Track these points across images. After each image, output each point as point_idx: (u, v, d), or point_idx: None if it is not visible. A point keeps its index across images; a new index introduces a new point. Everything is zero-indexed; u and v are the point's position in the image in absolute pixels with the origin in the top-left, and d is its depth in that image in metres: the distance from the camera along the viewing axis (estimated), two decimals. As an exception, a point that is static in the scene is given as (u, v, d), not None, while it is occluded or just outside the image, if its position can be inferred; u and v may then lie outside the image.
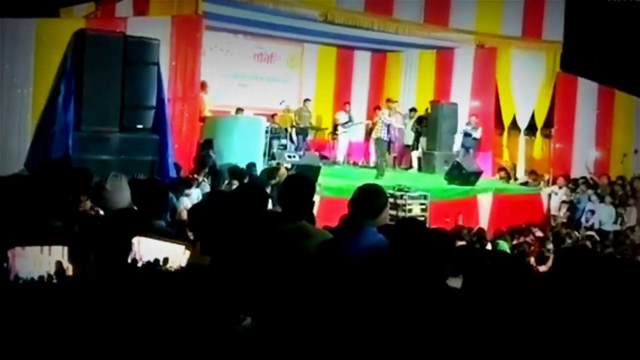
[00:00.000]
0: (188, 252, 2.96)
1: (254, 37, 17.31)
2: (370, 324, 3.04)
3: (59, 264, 2.53)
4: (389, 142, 15.29)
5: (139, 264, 2.97)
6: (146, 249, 2.99)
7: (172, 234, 4.53)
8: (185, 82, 11.75)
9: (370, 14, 14.55)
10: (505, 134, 17.65)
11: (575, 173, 16.75)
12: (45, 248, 2.51)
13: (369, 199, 4.14)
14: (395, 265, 3.64)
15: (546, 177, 16.39)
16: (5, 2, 11.68)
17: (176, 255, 2.92)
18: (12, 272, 2.45)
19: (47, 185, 3.83)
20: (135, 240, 3.01)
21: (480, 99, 17.22)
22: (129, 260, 2.98)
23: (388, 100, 16.62)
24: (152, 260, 2.95)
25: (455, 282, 5.28)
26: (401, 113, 15.99)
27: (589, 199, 15.08)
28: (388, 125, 15.06)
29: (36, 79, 9.81)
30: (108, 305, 2.20)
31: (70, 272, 2.53)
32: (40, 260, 2.48)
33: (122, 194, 5.01)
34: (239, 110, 15.09)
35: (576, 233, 13.38)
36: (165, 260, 2.94)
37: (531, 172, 16.83)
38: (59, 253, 2.51)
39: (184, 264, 2.84)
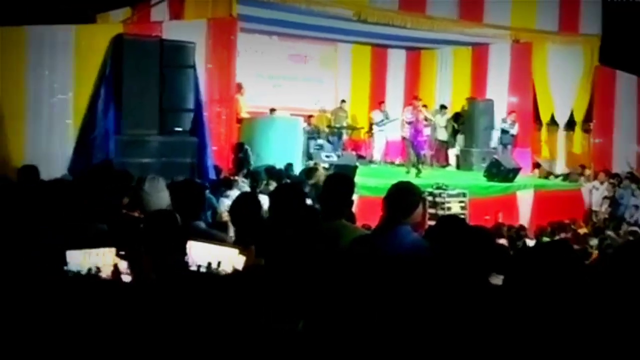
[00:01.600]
0: (242, 256, 2.97)
1: (287, 38, 17.36)
2: (407, 322, 3.03)
3: (115, 266, 2.58)
4: (415, 141, 15.12)
5: (192, 267, 3.00)
6: (197, 252, 3.02)
7: (213, 234, 4.57)
8: (222, 85, 11.83)
9: (404, 12, 14.48)
10: (544, 129, 17.46)
11: (616, 168, 16.50)
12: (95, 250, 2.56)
13: (400, 197, 4.12)
14: (437, 263, 3.63)
15: (587, 172, 16.17)
16: (44, 9, 11.90)
17: (229, 258, 2.94)
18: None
19: (90, 189, 3.89)
20: (188, 244, 3.04)
21: (517, 95, 17.06)
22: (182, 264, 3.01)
23: (414, 99, 16.43)
24: (205, 263, 2.98)
25: (497, 280, 5.26)
26: (422, 110, 15.66)
27: (633, 194, 14.85)
28: (410, 123, 14.96)
29: (76, 84, 9.95)
30: (166, 307, 2.23)
31: (125, 273, 2.57)
32: (89, 256, 2.53)
33: (160, 196, 5.06)
34: (272, 110, 15.15)
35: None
36: (219, 263, 2.96)
37: (576, 167, 16.61)
38: (110, 255, 2.55)
39: (239, 267, 2.85)
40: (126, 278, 2.55)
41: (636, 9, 16.78)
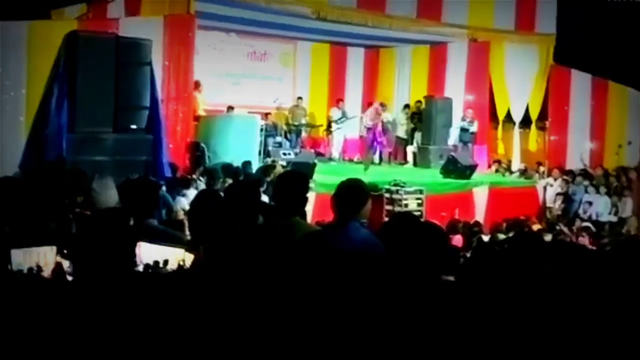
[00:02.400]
0: (189, 255, 2.96)
1: (246, 36, 17.29)
2: (360, 318, 3.04)
3: (58, 264, 2.54)
4: (373, 144, 15.27)
5: (140, 267, 2.99)
6: (145, 252, 3.00)
7: (167, 232, 4.53)
8: (179, 82, 11.74)
9: (363, 10, 14.53)
10: (500, 127, 17.66)
11: (570, 165, 16.78)
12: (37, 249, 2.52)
13: (349, 194, 4.15)
14: (388, 259, 3.65)
15: (541, 169, 16.41)
16: (-3, 5, 11.67)
17: (176, 257, 2.93)
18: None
19: (41, 187, 3.83)
20: (137, 244, 3.02)
21: (474, 93, 17.23)
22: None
23: (380, 105, 16.49)
24: (151, 262, 2.96)
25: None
26: (379, 110, 15.75)
27: (586, 191, 15.12)
28: (369, 129, 15.13)
29: (29, 81, 9.80)
30: (110, 306, 2.20)
31: (68, 273, 2.54)
32: (30, 255, 2.49)
33: (108, 194, 5.02)
34: (230, 108, 15.09)
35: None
36: (166, 262, 2.95)
37: (526, 166, 16.88)
38: (51, 253, 2.51)
39: (187, 265, 2.84)
40: (69, 277, 2.52)
41: (590, 8, 17.08)
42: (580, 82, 17.27)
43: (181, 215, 8.92)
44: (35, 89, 9.79)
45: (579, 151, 17.12)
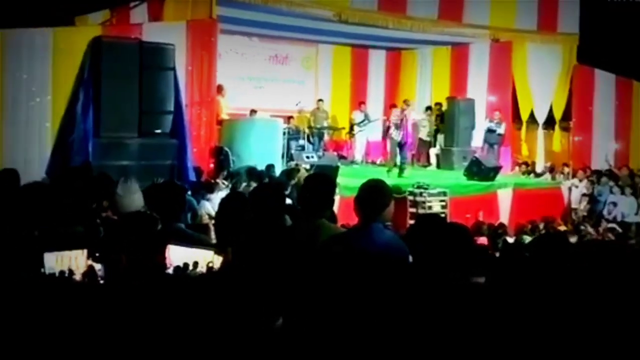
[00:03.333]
0: (217, 257, 2.98)
1: (268, 40, 17.35)
2: (382, 319, 3.04)
3: (90, 267, 2.57)
4: (401, 141, 15.09)
5: (170, 269, 3.01)
6: (175, 255, 3.02)
7: (193, 236, 4.56)
8: (202, 86, 11.81)
9: (384, 13, 14.54)
10: (524, 128, 17.55)
11: (595, 165, 16.64)
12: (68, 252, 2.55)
13: (370, 196, 4.14)
14: (415, 261, 3.64)
15: (566, 170, 16.29)
16: (22, 12, 11.81)
17: (205, 259, 2.95)
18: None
19: (68, 192, 3.87)
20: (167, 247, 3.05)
21: (497, 94, 17.15)
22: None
23: (403, 102, 16.41)
24: (181, 265, 2.98)
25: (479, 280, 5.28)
26: (411, 113, 15.65)
27: (611, 191, 14.99)
28: (396, 126, 14.98)
29: (54, 87, 9.90)
30: (140, 309, 2.22)
31: (100, 276, 2.56)
32: (62, 259, 2.52)
33: (133, 198, 5.05)
34: (253, 111, 15.13)
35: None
36: (195, 264, 2.97)
37: (551, 166, 16.76)
38: (82, 257, 2.54)
39: (216, 267, 2.86)
40: (101, 280, 2.54)
41: (613, 8, 16.93)
42: (604, 82, 17.15)
43: (206, 220, 8.96)
44: (60, 95, 9.89)
45: (603, 152, 16.98)
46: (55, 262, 2.55)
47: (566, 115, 17.13)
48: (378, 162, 17.61)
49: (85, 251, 2.61)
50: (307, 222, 4.37)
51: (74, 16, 13.31)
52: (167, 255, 3.04)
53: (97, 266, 2.59)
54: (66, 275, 2.50)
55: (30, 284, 2.61)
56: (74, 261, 2.58)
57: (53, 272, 2.54)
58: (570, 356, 2.72)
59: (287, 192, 9.61)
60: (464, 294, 3.57)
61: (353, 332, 3.29)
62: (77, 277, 2.55)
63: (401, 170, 14.63)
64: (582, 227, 12.90)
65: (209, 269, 2.83)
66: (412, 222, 10.61)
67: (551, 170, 16.62)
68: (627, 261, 3.26)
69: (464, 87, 17.59)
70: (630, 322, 2.74)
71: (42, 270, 2.55)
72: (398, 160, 14.95)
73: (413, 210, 12.22)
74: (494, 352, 2.81)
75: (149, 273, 2.97)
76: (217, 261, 2.95)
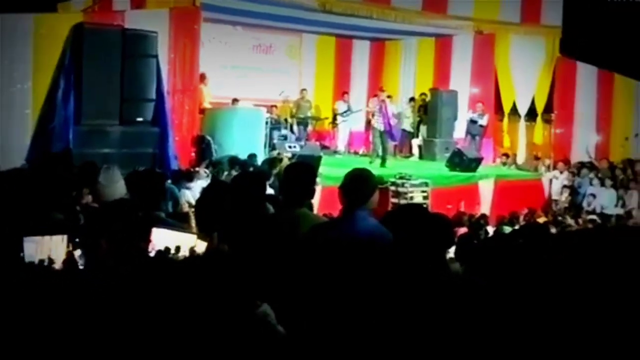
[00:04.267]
0: (200, 242, 2.98)
1: (252, 28, 17.27)
2: (369, 307, 3.05)
3: (69, 253, 2.56)
4: (384, 131, 15.05)
5: (151, 253, 3.01)
6: (158, 239, 3.02)
7: (173, 224, 4.55)
8: (184, 74, 11.76)
9: (369, 3, 14.54)
10: (506, 120, 17.63)
11: (575, 157, 16.75)
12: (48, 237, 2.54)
13: (356, 184, 4.15)
14: (396, 250, 3.66)
15: (547, 162, 16.39)
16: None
17: (188, 244, 2.95)
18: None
19: (47, 179, 3.84)
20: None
21: (479, 85, 17.20)
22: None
23: (379, 90, 16.35)
24: (163, 248, 2.98)
25: (455, 266, 5.31)
26: (386, 101, 15.53)
27: (590, 183, 15.11)
28: (373, 115, 14.96)
29: (35, 74, 9.82)
30: (121, 292, 2.21)
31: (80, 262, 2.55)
32: (42, 247, 2.50)
33: (115, 186, 5.04)
34: (235, 100, 15.07)
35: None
36: (177, 248, 2.97)
37: (535, 156, 16.85)
38: (62, 243, 2.52)
39: (199, 251, 2.86)
40: (81, 266, 2.53)
41: (596, 1, 17.01)
42: (586, 75, 17.23)
43: (186, 208, 8.94)
44: (41, 82, 9.81)
45: (584, 144, 17.08)
46: (35, 249, 2.53)
47: (548, 108, 17.21)
48: (361, 152, 17.63)
49: (65, 237, 2.59)
50: (288, 211, 4.38)
51: (57, 2, 13.20)
52: (150, 239, 3.04)
53: (77, 252, 2.57)
54: (46, 264, 2.49)
55: (9, 273, 2.60)
56: (54, 249, 2.56)
57: (33, 261, 2.52)
58: (551, 346, 2.74)
59: (269, 182, 9.61)
60: (445, 282, 3.60)
61: (337, 319, 3.31)
62: (58, 265, 2.53)
63: (383, 160, 14.66)
64: (562, 219, 13.00)
65: (192, 252, 2.83)
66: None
67: (535, 159, 16.69)
68: (608, 248, 3.29)
69: (447, 79, 17.61)
70: (613, 310, 2.76)
71: (22, 255, 2.53)
72: (380, 150, 14.96)
73: (395, 200, 12.26)
74: (474, 339, 2.83)
75: (130, 258, 2.98)
76: (200, 246, 2.95)
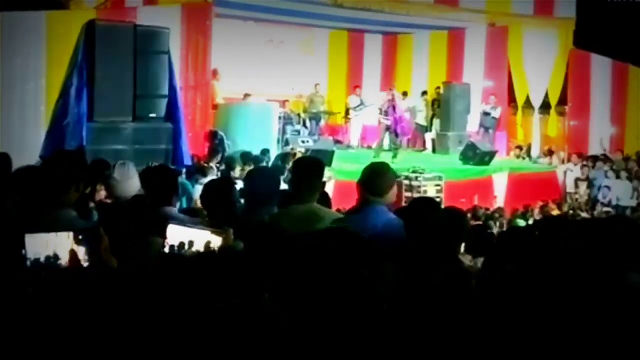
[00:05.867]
0: (217, 237, 2.97)
1: (264, 24, 17.28)
2: (381, 303, 3.04)
3: (72, 251, 2.54)
4: (396, 128, 15.04)
5: (165, 248, 3.00)
6: (171, 235, 3.01)
7: (184, 220, 4.55)
8: (197, 70, 11.79)
9: (380, -4, 14.51)
10: (519, 112, 17.55)
11: (590, 150, 16.67)
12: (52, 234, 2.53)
13: (375, 177, 4.15)
14: (410, 243, 3.64)
15: (561, 154, 16.31)
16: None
17: (202, 240, 2.93)
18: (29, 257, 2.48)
19: (59, 174, 3.84)
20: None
21: (493, 78, 17.15)
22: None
23: (389, 88, 16.34)
24: (176, 244, 2.97)
25: (465, 259, 5.28)
26: (396, 99, 15.52)
27: (605, 175, 15.02)
28: (385, 112, 14.95)
29: (49, 71, 9.88)
30: (129, 292, 2.20)
31: (83, 260, 2.55)
32: (46, 243, 2.49)
33: (130, 182, 5.02)
34: (247, 95, 15.07)
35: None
36: (191, 243, 2.96)
37: (549, 150, 16.78)
38: (67, 239, 2.51)
39: (214, 247, 2.85)
40: (85, 263, 2.53)
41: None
42: (600, 67, 17.14)
43: (199, 204, 8.96)
44: (54, 79, 9.85)
45: (599, 136, 17.00)
46: (40, 245, 2.52)
47: (562, 100, 17.12)
48: (373, 146, 17.58)
49: (72, 234, 2.57)
50: (299, 205, 4.37)
51: (69, -1, 13.23)
52: (166, 235, 3.03)
53: (80, 250, 2.56)
54: (51, 260, 2.48)
55: (9, 270, 2.60)
56: (58, 244, 2.54)
57: (37, 258, 2.51)
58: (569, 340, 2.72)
59: (283, 177, 9.61)
60: (461, 274, 3.58)
61: (352, 312, 3.29)
62: (63, 261, 2.53)
63: (394, 155, 14.63)
64: (577, 211, 12.93)
65: (207, 248, 2.82)
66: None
67: (548, 154, 16.62)
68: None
69: (460, 72, 17.56)
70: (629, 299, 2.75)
71: (24, 252, 2.52)
72: (386, 144, 14.94)
73: (408, 194, 12.23)
74: (492, 333, 2.80)
75: (141, 254, 2.98)
76: (215, 241, 2.94)
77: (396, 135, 15.03)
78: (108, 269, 2.64)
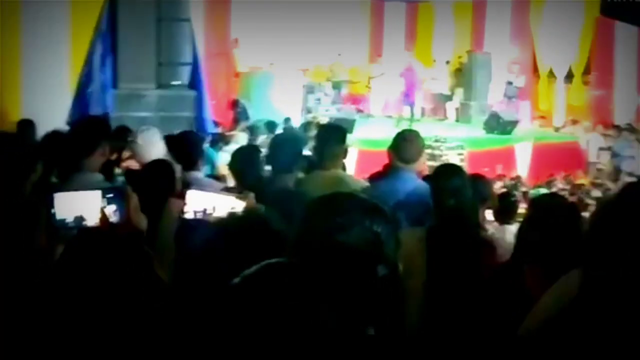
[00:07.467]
0: (240, 201, 2.99)
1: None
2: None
3: (102, 211, 2.58)
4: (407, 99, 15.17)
5: (189, 214, 3.03)
6: (194, 200, 3.04)
7: (212, 184, 4.60)
8: (218, 38, 11.78)
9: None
10: (543, 82, 17.38)
11: (614, 120, 16.49)
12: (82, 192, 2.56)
13: (405, 144, 4.16)
14: (436, 207, 3.65)
15: (585, 124, 16.16)
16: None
17: (226, 205, 2.96)
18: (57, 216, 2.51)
19: (85, 138, 3.87)
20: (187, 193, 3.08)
21: (516, 47, 16.96)
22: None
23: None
24: (200, 209, 3.00)
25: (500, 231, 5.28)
26: (412, 67, 15.64)
27: (630, 146, 14.87)
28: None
29: (73, 38, 9.90)
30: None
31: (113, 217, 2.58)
32: (76, 202, 2.52)
33: (154, 147, 5.05)
34: (270, 64, 15.05)
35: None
36: (214, 208, 2.99)
37: (572, 120, 16.63)
38: (97, 198, 2.54)
39: (238, 211, 2.88)
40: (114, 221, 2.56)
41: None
42: (625, 36, 16.87)
43: (224, 170, 9.01)
44: (79, 47, 9.89)
45: (624, 106, 16.80)
46: (69, 204, 2.55)
47: (587, 69, 16.92)
48: (396, 115, 17.53)
49: (100, 192, 2.60)
50: (323, 172, 4.41)
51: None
52: (186, 200, 3.06)
53: (110, 208, 2.58)
54: (80, 220, 2.51)
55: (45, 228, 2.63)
56: (89, 203, 2.57)
57: (65, 219, 2.54)
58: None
59: (306, 145, 9.63)
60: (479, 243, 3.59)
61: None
62: (91, 222, 2.55)
63: (411, 123, 14.64)
64: (602, 181, 12.85)
65: (231, 213, 2.84)
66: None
67: (572, 123, 16.48)
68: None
69: (484, 41, 17.40)
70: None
71: (52, 211, 2.55)
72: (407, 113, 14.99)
73: (430, 163, 12.17)
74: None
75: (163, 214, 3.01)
76: (238, 206, 2.96)
77: (410, 105, 15.10)
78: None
